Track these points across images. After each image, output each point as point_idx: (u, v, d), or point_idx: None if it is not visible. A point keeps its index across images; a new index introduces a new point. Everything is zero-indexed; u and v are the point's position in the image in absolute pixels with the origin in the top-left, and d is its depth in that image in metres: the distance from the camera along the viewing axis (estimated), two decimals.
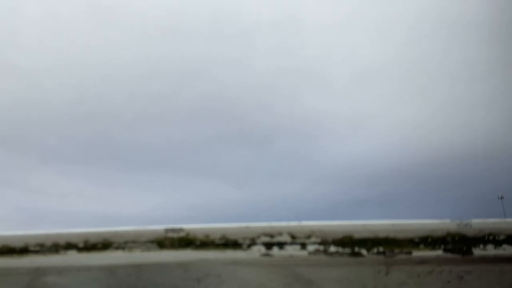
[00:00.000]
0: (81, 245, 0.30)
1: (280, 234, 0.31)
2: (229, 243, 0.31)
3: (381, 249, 0.30)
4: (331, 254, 0.30)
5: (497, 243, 0.31)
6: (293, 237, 0.31)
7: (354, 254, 0.30)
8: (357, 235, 0.31)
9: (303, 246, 0.30)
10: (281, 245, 0.31)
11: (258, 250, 0.31)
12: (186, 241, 0.30)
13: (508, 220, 0.31)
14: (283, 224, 0.31)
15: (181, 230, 0.31)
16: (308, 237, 0.31)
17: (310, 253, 0.30)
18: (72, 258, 0.30)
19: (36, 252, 0.30)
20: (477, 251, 0.31)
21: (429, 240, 0.31)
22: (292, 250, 0.31)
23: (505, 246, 0.31)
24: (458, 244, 0.31)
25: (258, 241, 0.31)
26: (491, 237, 0.31)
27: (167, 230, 0.31)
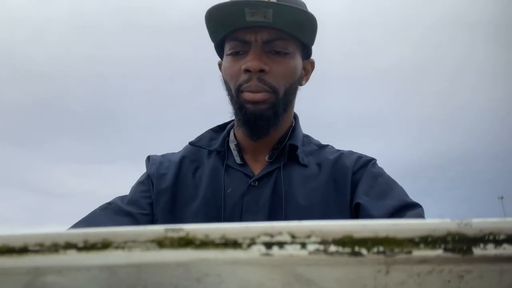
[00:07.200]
0: (80, 244, 0.30)
1: (280, 233, 0.31)
2: (229, 242, 0.30)
3: (381, 248, 0.30)
4: (331, 253, 0.30)
5: (498, 242, 0.31)
6: (293, 236, 0.31)
7: (354, 254, 0.30)
8: (357, 235, 0.30)
9: (303, 245, 0.30)
10: (281, 244, 0.31)
11: (258, 249, 0.30)
12: (185, 241, 0.30)
13: (508, 219, 0.31)
14: (283, 223, 0.31)
15: (180, 229, 0.31)
16: (308, 236, 0.30)
17: (310, 252, 0.30)
18: (72, 257, 0.30)
19: (35, 251, 0.30)
20: (478, 251, 0.31)
21: (429, 240, 0.31)
22: (292, 250, 0.31)
23: (505, 245, 0.31)
24: (458, 243, 0.31)
25: (258, 240, 0.31)
26: (491, 237, 0.31)
27: (166, 230, 0.30)
